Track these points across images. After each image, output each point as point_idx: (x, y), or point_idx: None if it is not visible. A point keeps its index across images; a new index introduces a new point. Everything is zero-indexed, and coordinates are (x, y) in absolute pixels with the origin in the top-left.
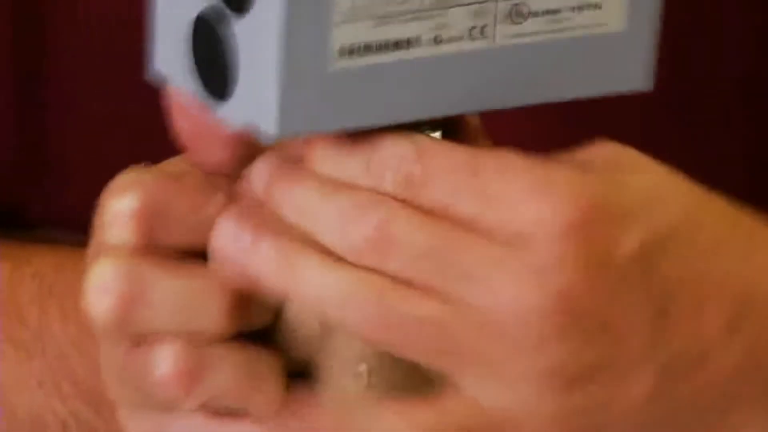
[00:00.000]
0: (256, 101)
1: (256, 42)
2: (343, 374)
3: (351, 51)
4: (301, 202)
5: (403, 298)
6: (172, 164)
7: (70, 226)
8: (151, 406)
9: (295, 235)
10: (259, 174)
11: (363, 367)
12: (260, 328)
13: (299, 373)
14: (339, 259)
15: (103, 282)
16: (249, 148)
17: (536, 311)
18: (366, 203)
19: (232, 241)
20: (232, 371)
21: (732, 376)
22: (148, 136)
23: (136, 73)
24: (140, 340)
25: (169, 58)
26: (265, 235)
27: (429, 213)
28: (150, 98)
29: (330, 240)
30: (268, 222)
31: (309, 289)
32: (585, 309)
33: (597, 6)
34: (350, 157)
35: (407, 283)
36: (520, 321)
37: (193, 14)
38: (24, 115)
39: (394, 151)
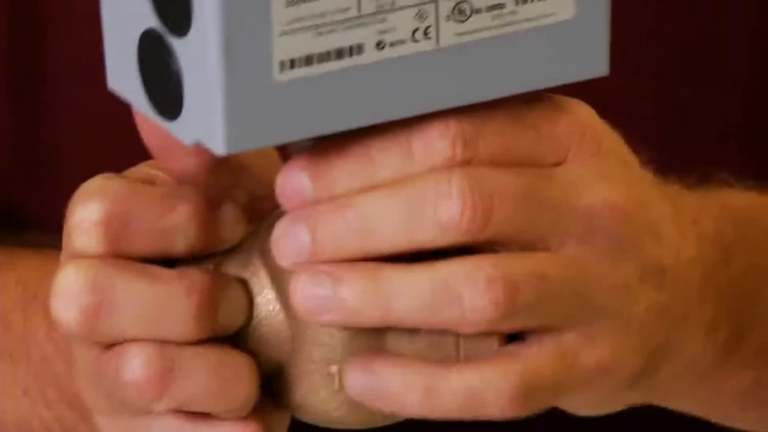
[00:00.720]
0: (203, 119)
1: (199, 61)
2: (315, 376)
3: (293, 63)
4: (369, 209)
5: (514, 259)
6: (140, 171)
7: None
8: (124, 410)
9: (367, 254)
10: (299, 198)
11: (334, 369)
12: (232, 331)
13: (271, 375)
14: (414, 261)
15: (68, 290)
16: (216, 158)
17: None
18: (441, 179)
19: (315, 292)
20: (203, 374)
21: None
22: None
23: None
24: (110, 344)
25: (122, 76)
26: (347, 271)
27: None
28: None
29: (415, 234)
30: (332, 253)
31: (406, 303)
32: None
33: None
34: (386, 151)
35: (509, 245)
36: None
37: (138, 34)
38: (20, 114)
39: (433, 129)
